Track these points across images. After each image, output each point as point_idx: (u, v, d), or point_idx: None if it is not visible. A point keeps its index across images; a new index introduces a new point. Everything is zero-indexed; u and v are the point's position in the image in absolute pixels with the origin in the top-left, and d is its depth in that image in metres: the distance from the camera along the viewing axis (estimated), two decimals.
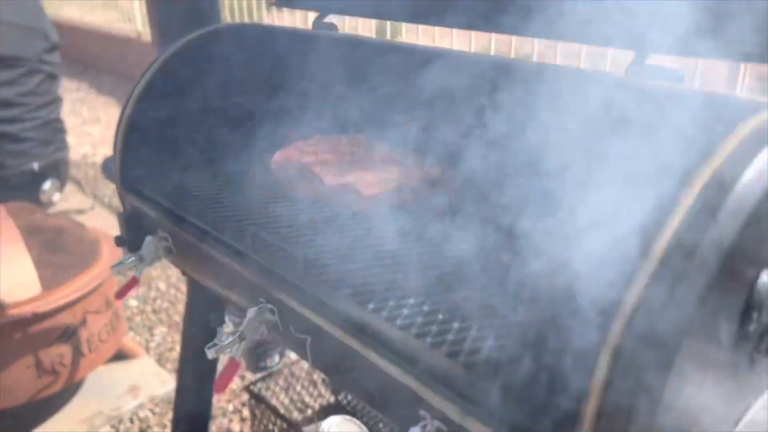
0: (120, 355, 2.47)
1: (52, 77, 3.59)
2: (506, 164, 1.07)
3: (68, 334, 2.07)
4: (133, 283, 1.24)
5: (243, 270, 1.02)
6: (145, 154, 1.34)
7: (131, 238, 1.29)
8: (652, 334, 0.55)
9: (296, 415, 1.73)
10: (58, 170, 3.67)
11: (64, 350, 2.07)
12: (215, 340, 0.97)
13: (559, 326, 0.70)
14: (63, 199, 3.76)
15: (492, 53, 2.87)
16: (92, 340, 2.17)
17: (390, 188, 1.10)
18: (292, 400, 1.75)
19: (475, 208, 1.11)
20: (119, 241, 1.21)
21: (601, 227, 0.61)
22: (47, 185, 3.60)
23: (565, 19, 0.90)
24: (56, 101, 3.63)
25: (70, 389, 2.29)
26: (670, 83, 0.76)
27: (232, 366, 0.98)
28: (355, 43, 1.31)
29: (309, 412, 1.74)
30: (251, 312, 0.97)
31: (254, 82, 1.39)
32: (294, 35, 1.36)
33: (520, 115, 0.89)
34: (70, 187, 3.85)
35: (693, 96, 0.69)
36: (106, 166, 1.33)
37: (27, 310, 1.95)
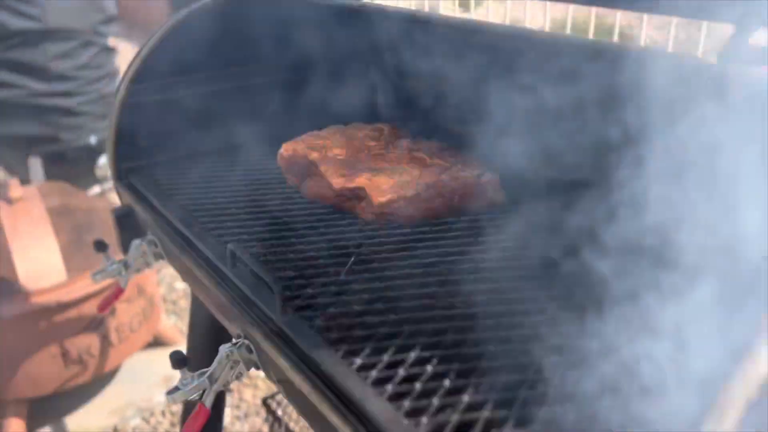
0: (158, 342, 2.37)
1: (108, 50, 3.51)
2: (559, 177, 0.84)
3: (95, 324, 1.96)
4: (117, 293, 1.07)
5: (219, 293, 0.83)
6: (142, 142, 1.18)
7: (124, 239, 1.13)
8: None
9: None
10: None
11: (91, 340, 1.97)
12: (178, 384, 0.79)
13: None
14: None
15: (569, 25, 2.56)
16: (122, 330, 2.06)
17: (406, 195, 0.88)
18: None
19: (513, 233, 0.88)
20: (99, 247, 1.04)
21: None
22: (103, 160, 3.55)
23: None
24: (112, 74, 3.56)
25: (104, 377, 2.20)
26: None
27: (201, 414, 0.80)
28: (383, 14, 1.09)
29: None
30: (222, 351, 0.78)
31: (265, 59, 1.19)
32: (310, 5, 1.15)
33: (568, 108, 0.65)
34: None
35: None
36: None
37: (51, 298, 1.85)
